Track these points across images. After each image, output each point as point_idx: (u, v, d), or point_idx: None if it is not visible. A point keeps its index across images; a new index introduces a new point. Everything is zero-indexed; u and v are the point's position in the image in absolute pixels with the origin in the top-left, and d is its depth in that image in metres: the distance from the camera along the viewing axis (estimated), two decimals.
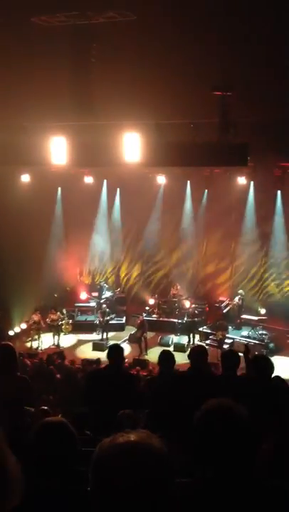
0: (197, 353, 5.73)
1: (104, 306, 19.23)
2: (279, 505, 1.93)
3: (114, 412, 4.73)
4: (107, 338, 18.31)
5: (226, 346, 16.19)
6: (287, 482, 2.02)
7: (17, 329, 19.43)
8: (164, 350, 6.40)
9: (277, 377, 5.34)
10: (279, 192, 18.12)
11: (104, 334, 18.55)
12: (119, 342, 17.92)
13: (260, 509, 1.86)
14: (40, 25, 13.60)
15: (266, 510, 1.88)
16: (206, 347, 16.17)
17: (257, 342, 16.85)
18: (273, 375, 5.25)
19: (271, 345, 16.79)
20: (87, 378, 6.31)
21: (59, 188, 20.85)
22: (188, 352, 6.09)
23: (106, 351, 6.21)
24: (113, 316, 19.35)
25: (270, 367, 5.17)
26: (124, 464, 1.39)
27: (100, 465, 1.43)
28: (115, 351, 5.94)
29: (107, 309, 19.01)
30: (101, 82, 13.89)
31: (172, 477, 1.45)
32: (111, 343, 17.37)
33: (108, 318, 18.77)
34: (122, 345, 17.99)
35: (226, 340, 17.08)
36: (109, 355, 5.89)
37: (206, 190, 19.57)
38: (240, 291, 19.53)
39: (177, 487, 1.89)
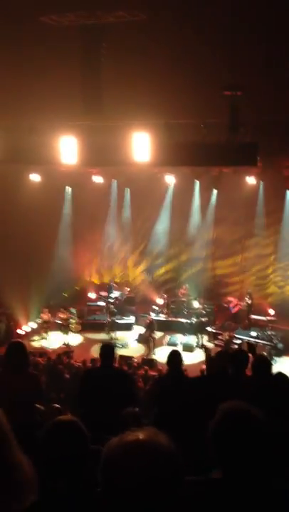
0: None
1: (111, 306, 19.25)
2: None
3: (109, 411, 4.69)
4: (115, 338, 18.33)
5: (234, 347, 16.14)
6: None
7: (26, 328, 19.50)
8: (173, 350, 6.39)
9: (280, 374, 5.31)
10: (288, 192, 18.05)
11: (113, 334, 18.58)
12: (125, 341, 18.03)
13: (271, 510, 1.86)
14: (50, 24, 13.65)
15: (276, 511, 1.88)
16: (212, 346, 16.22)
17: (266, 343, 16.79)
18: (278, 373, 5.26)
19: (280, 345, 16.73)
20: (80, 380, 6.27)
21: (68, 188, 20.88)
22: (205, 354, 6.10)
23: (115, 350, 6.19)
24: (119, 316, 19.37)
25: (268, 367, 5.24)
26: (134, 463, 1.39)
27: (110, 465, 1.43)
28: (106, 350, 5.90)
29: (114, 309, 19.03)
30: (111, 81, 13.91)
31: (182, 474, 1.44)
32: (118, 342, 17.50)
33: (115, 318, 18.81)
34: (131, 344, 18.16)
35: (234, 341, 17.03)
36: (100, 355, 5.84)
37: (215, 190, 19.51)
38: (249, 290, 19.49)
39: (187, 486, 1.90)
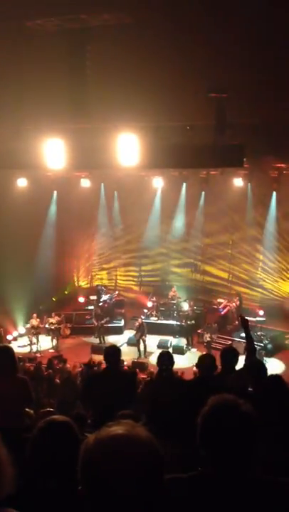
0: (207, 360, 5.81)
1: (98, 310, 19.20)
2: (278, 501, 1.92)
3: (114, 412, 4.72)
4: (103, 341, 18.29)
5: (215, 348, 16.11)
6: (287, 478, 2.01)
7: (15, 333, 19.41)
8: (163, 351, 6.42)
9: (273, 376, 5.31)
10: (274, 193, 18.16)
11: (101, 338, 18.54)
12: (117, 345, 17.96)
13: (260, 505, 1.85)
14: (34, 29, 13.61)
15: (266, 505, 1.87)
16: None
17: (255, 343, 16.80)
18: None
19: (270, 346, 16.79)
20: (84, 382, 6.33)
21: (55, 192, 20.81)
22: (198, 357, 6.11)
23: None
24: (107, 319, 19.34)
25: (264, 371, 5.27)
26: (114, 458, 1.36)
27: (89, 462, 1.40)
28: (111, 353, 5.95)
29: (101, 313, 18.99)
30: (97, 84, 13.89)
31: (162, 464, 1.42)
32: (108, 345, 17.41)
33: (103, 321, 18.78)
34: (121, 348, 18.08)
35: (214, 342, 17.07)
36: (105, 357, 5.91)
37: (203, 192, 19.58)
38: (238, 292, 19.57)
39: (176, 482, 1.88)
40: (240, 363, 5.90)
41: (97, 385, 5.83)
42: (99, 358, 15.98)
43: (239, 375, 5.58)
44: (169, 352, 6.49)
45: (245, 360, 5.93)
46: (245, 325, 6.32)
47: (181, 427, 4.45)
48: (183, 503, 1.85)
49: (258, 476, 1.91)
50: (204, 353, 12.29)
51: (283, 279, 19.88)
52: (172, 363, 6.07)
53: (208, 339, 17.10)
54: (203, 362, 5.80)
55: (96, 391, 5.69)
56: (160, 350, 9.65)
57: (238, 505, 1.83)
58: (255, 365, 5.77)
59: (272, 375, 5.23)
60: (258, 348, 16.40)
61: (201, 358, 5.95)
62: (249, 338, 6.25)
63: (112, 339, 18.64)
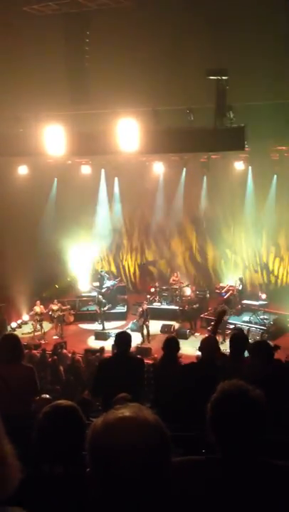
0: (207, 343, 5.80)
1: (100, 296, 19.23)
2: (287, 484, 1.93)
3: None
4: (104, 328, 18.37)
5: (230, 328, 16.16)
6: None
7: (19, 321, 19.49)
8: (168, 336, 6.44)
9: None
10: (275, 176, 18.08)
11: (104, 324, 18.59)
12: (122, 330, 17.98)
13: (270, 489, 1.87)
14: (32, 14, 13.48)
15: (275, 490, 1.88)
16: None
17: (259, 327, 16.88)
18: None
19: (273, 329, 16.82)
20: (97, 369, 6.33)
21: (55, 179, 20.72)
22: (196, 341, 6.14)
23: (108, 340, 6.25)
24: (110, 305, 19.37)
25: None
26: (121, 441, 1.37)
27: (97, 445, 1.41)
28: (121, 338, 5.99)
29: (103, 300, 19.02)
30: (96, 70, 13.80)
31: (170, 447, 1.43)
32: (111, 332, 17.48)
33: (105, 308, 18.81)
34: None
35: (228, 326, 17.08)
36: (116, 343, 5.96)
37: (205, 176, 19.51)
38: (240, 276, 19.57)
39: (184, 465, 1.90)
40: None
41: (108, 371, 5.84)
42: (102, 344, 16.14)
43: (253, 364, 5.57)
44: (174, 337, 6.49)
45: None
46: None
47: (184, 410, 4.49)
48: (190, 485, 1.86)
49: (266, 459, 1.92)
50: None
51: (283, 263, 19.88)
52: (177, 347, 6.10)
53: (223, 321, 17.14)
54: (205, 344, 5.80)
55: (108, 377, 5.71)
56: (163, 336, 9.68)
57: (246, 488, 1.84)
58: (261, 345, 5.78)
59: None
60: (261, 331, 16.56)
61: (203, 341, 5.95)
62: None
63: (115, 325, 18.71)
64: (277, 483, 1.87)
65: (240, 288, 18.88)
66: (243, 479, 1.85)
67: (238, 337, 5.98)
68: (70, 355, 14.31)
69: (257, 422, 1.89)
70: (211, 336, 6.41)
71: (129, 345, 5.95)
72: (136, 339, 17.51)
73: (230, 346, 5.65)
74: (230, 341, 5.71)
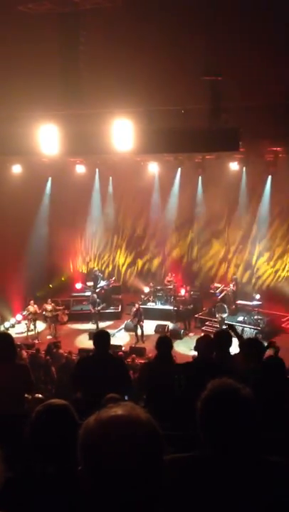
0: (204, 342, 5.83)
1: (94, 296, 19.22)
2: (280, 481, 1.94)
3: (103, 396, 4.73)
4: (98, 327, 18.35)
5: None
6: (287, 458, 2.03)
7: (12, 320, 19.45)
8: (161, 335, 6.44)
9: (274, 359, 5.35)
10: (270, 177, 18.12)
11: (99, 323, 18.57)
12: (115, 331, 17.99)
13: (261, 486, 1.87)
14: (27, 13, 13.44)
15: (267, 486, 1.89)
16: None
17: (252, 327, 16.92)
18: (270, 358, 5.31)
19: (267, 329, 16.87)
20: (75, 367, 6.30)
21: (49, 178, 20.70)
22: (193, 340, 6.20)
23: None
24: (104, 305, 19.38)
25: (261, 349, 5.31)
26: (114, 439, 1.36)
27: (89, 443, 1.40)
28: (99, 338, 5.93)
29: (97, 299, 19.01)
30: (90, 69, 13.77)
31: (162, 445, 1.42)
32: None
33: (99, 308, 18.81)
34: (119, 334, 18.17)
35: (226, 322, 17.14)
36: (94, 342, 5.89)
37: (200, 177, 19.53)
38: (235, 276, 19.61)
39: (176, 463, 1.90)
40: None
41: (85, 370, 5.82)
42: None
43: (238, 358, 5.62)
44: (167, 336, 6.50)
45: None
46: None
47: (177, 410, 4.49)
48: (182, 483, 1.87)
49: (256, 456, 1.93)
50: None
51: (277, 263, 19.94)
52: (171, 346, 6.10)
53: (220, 319, 17.24)
54: (200, 344, 5.82)
55: (85, 376, 5.70)
56: (157, 336, 9.67)
57: (237, 484, 1.85)
58: (252, 342, 5.85)
59: (274, 358, 5.28)
60: (255, 331, 16.59)
61: (198, 340, 5.97)
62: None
63: (109, 325, 18.70)
64: (269, 478, 1.88)
65: (234, 288, 18.92)
66: (233, 475, 1.86)
67: (222, 335, 6.11)
68: (65, 354, 14.28)
69: (246, 420, 1.90)
70: (207, 335, 6.45)
71: (107, 344, 5.90)
72: (130, 339, 17.58)
73: (216, 343, 5.74)
74: (214, 338, 5.82)
